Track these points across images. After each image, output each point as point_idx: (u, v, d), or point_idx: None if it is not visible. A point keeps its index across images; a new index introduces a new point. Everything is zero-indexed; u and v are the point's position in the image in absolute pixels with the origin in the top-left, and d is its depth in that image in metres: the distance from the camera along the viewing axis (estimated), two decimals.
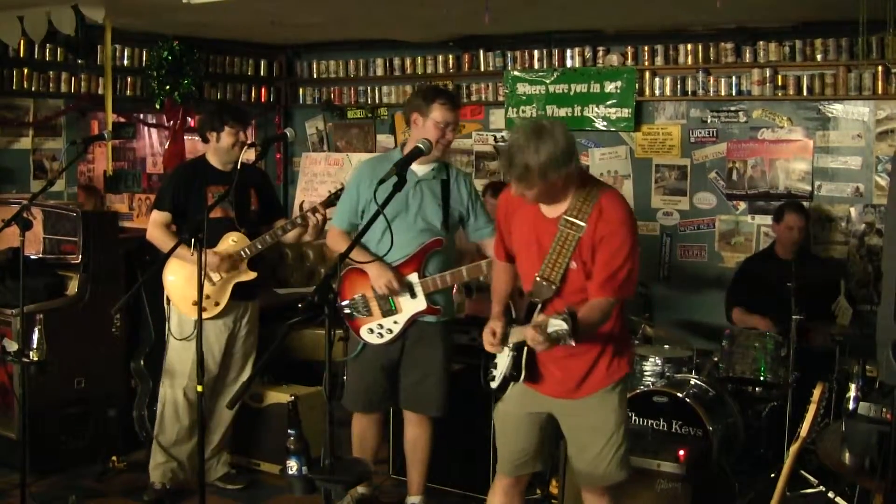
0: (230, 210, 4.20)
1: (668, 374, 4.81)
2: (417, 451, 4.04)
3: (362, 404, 4.02)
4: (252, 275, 4.23)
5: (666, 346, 5.13)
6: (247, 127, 4.37)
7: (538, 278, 2.95)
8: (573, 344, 2.66)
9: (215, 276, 4.18)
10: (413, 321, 3.85)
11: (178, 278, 4.24)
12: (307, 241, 4.41)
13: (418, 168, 3.80)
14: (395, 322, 3.84)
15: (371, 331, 3.89)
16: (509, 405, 3.15)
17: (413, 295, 3.80)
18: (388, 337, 3.85)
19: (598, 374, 3.03)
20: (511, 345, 3.01)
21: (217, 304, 4.20)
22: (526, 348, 2.95)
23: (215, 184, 4.22)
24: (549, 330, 2.63)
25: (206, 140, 4.29)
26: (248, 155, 4.23)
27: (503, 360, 3.05)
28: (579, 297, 2.93)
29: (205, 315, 4.15)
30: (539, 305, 2.97)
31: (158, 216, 4.26)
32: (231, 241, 4.22)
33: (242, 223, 4.24)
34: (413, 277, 3.80)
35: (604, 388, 3.04)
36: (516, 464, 3.18)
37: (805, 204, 5.62)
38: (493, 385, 3.10)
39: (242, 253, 4.20)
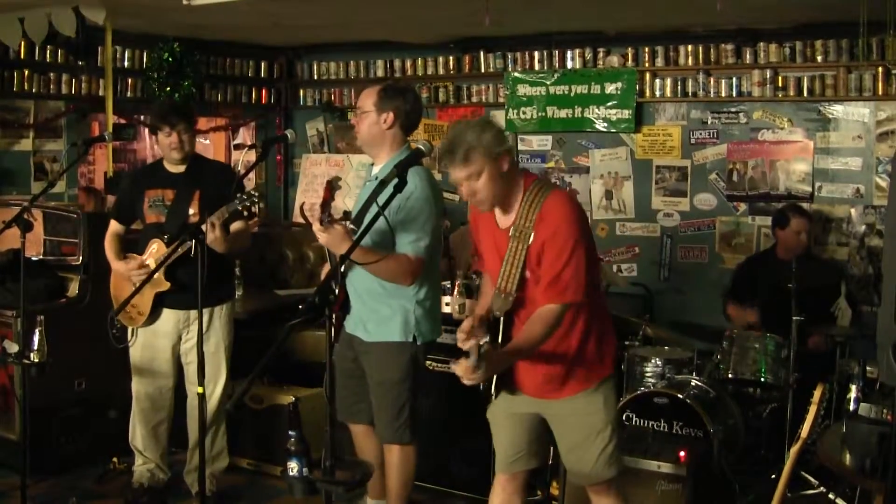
0: (162, 215, 4.09)
1: (668, 375, 4.80)
2: (388, 476, 3.72)
3: (340, 413, 3.81)
4: (165, 285, 3.98)
5: (666, 348, 5.12)
6: (176, 125, 4.06)
7: (496, 291, 2.98)
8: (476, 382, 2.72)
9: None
10: (341, 327, 3.66)
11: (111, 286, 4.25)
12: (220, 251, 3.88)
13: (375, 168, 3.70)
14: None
15: None
16: (499, 405, 3.18)
17: None
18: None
19: (577, 376, 3.04)
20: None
21: (140, 313, 4.11)
22: None
23: (155, 187, 4.13)
24: (473, 362, 2.68)
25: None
26: (249, 156, 4.19)
27: None
28: (537, 306, 2.95)
29: (135, 324, 4.15)
30: (501, 319, 2.99)
31: (110, 226, 4.26)
32: (153, 249, 4.06)
33: (170, 229, 4.01)
34: None
35: (587, 388, 3.05)
36: (509, 461, 3.20)
37: (804, 206, 5.63)
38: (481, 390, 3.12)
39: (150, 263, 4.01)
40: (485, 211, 3.01)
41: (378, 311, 3.58)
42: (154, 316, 4.13)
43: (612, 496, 3.18)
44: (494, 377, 3.03)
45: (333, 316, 3.59)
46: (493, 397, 3.12)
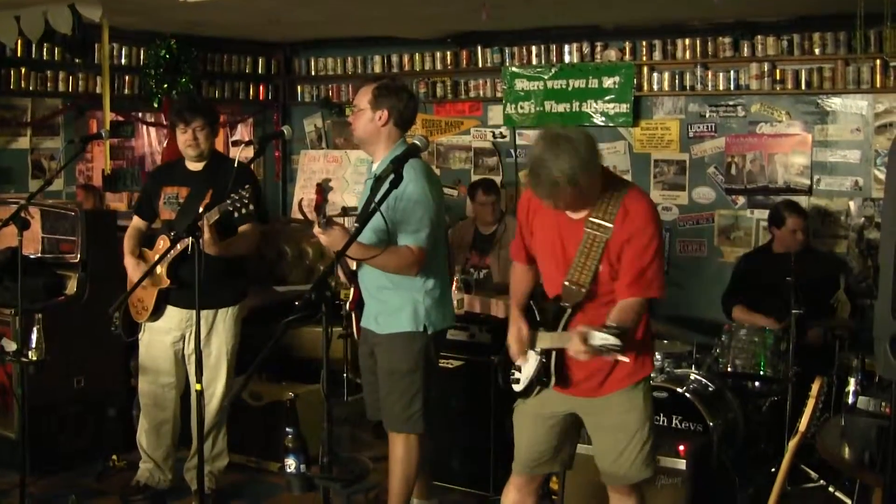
0: (174, 212, 4.09)
1: (667, 369, 4.78)
2: (391, 468, 3.76)
3: (369, 411, 3.88)
4: (165, 282, 3.99)
5: (665, 341, 5.09)
6: (191, 122, 4.04)
7: (567, 283, 2.92)
8: (626, 360, 2.71)
9: (146, 281, 4.00)
10: (359, 325, 3.73)
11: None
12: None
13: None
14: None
15: None
16: (529, 405, 3.10)
17: None
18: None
19: (620, 373, 2.98)
20: (538, 350, 2.97)
21: (145, 308, 4.12)
22: (555, 353, 2.93)
23: (172, 184, 4.14)
24: (597, 343, 2.64)
25: None
26: (246, 153, 4.17)
27: (529, 364, 3.01)
28: (609, 298, 2.91)
29: (140, 319, 4.16)
30: (569, 310, 2.94)
31: (133, 221, 4.28)
32: (160, 246, 4.07)
33: (178, 226, 3.95)
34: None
35: (626, 386, 2.99)
36: (533, 464, 3.14)
37: (803, 199, 5.62)
38: (518, 388, 3.05)
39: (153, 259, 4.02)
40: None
41: (387, 304, 3.62)
42: (159, 312, 4.13)
43: (635, 497, 3.12)
44: (551, 384, 2.99)
45: (352, 315, 3.71)
46: (529, 396, 3.04)
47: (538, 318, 3.02)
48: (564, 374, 2.99)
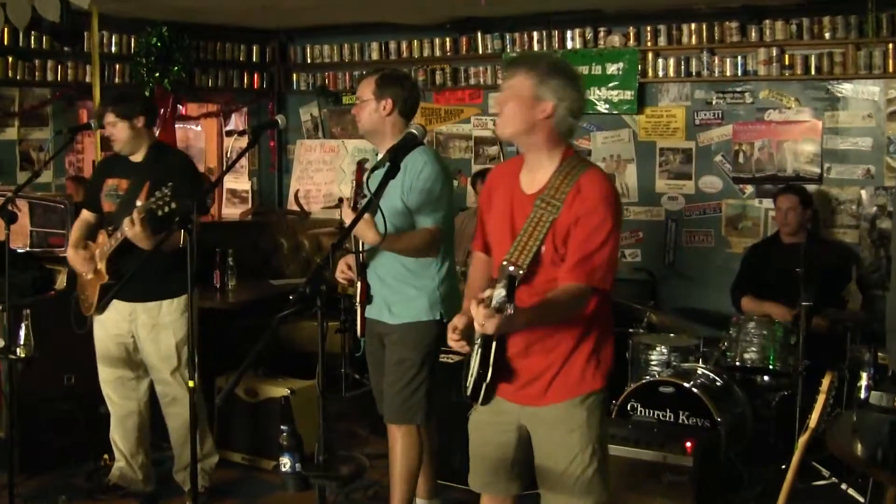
0: (114, 205, 4.04)
1: (674, 363, 4.74)
2: (391, 461, 3.72)
3: (379, 408, 3.83)
4: (105, 278, 3.95)
5: (672, 335, 5.06)
6: (100, 121, 4.05)
7: (505, 262, 2.68)
8: (510, 312, 2.43)
9: (87, 275, 4.03)
10: (364, 317, 3.66)
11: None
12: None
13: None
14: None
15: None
16: (484, 413, 2.84)
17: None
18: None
19: (566, 378, 2.72)
20: (478, 341, 2.71)
21: (90, 303, 4.09)
22: (494, 343, 2.67)
23: (114, 176, 4.09)
24: (494, 303, 2.43)
25: None
26: (240, 143, 4.09)
27: (475, 360, 2.76)
28: (551, 286, 2.66)
29: (87, 313, 4.14)
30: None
31: (81, 214, 4.23)
32: (99, 241, 4.03)
33: (115, 220, 3.91)
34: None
35: (571, 398, 2.72)
36: (486, 481, 2.88)
37: (813, 187, 5.54)
38: (467, 392, 2.77)
39: (98, 253, 3.98)
40: (504, 138, 2.80)
41: (404, 293, 3.60)
42: (103, 306, 4.08)
43: None
44: (488, 377, 2.72)
45: (357, 308, 3.64)
46: (480, 402, 2.78)
47: None
48: (505, 367, 2.73)
